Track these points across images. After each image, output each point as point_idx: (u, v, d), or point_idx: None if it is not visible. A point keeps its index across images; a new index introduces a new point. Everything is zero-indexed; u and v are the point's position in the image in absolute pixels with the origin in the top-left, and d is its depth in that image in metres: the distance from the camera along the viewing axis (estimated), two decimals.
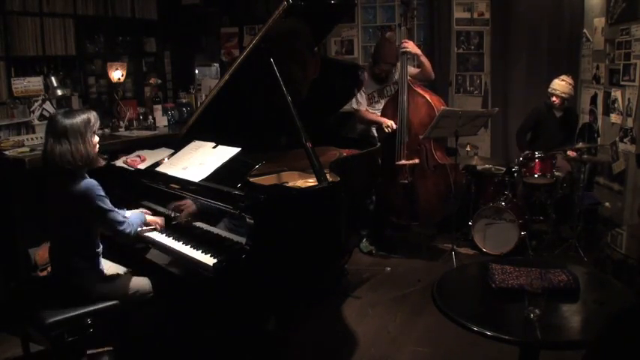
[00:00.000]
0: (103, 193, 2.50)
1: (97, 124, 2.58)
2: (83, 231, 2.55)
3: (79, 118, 2.49)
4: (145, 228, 2.76)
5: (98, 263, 2.62)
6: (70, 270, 2.57)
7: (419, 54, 4.30)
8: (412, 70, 4.36)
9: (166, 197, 2.91)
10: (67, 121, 2.47)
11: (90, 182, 2.49)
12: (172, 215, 2.88)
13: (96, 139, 2.57)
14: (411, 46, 4.23)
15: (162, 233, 2.78)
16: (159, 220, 2.83)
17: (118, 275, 2.66)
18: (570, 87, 4.57)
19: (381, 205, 4.50)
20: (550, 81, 4.73)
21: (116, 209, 2.56)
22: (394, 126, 4.21)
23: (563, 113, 4.69)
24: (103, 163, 2.65)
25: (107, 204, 2.51)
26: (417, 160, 4.29)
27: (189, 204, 2.81)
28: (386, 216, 4.63)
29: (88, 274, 2.57)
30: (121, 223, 2.55)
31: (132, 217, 2.67)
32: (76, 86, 4.94)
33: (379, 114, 4.41)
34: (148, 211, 2.87)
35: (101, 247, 2.64)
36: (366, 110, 4.45)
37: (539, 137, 4.73)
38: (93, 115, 2.55)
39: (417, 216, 4.48)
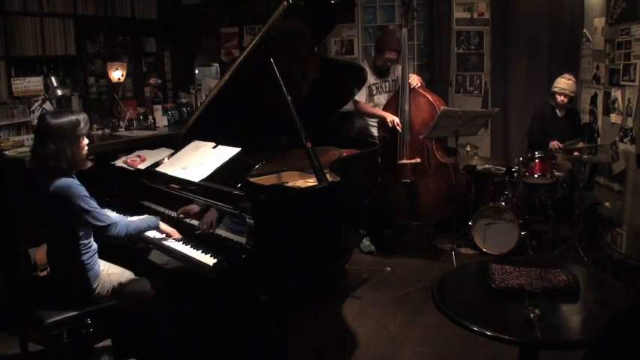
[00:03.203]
0: (85, 193, 2.43)
1: (87, 127, 2.52)
2: (70, 231, 2.49)
3: (67, 120, 2.44)
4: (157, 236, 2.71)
5: (92, 263, 2.57)
6: (64, 270, 2.55)
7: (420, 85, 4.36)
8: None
9: (166, 197, 2.91)
10: (55, 122, 2.42)
11: (70, 181, 2.43)
12: (189, 222, 2.81)
13: (85, 141, 2.52)
14: (417, 80, 4.30)
15: (162, 233, 2.77)
16: (172, 232, 2.69)
17: (116, 276, 2.65)
18: (575, 85, 4.60)
19: (382, 205, 4.50)
20: (550, 81, 4.73)
21: (100, 209, 2.48)
22: (397, 121, 4.19)
23: (566, 112, 4.69)
24: (89, 164, 2.56)
25: (89, 204, 2.43)
26: (418, 160, 4.29)
27: (204, 212, 2.71)
28: (386, 215, 4.63)
29: (82, 274, 2.53)
30: (105, 223, 2.46)
31: (135, 219, 2.62)
32: (76, 86, 4.94)
33: (379, 109, 4.38)
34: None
35: (95, 246, 2.59)
36: (366, 104, 4.42)
37: (544, 137, 4.71)
38: (82, 118, 2.50)
39: (418, 215, 4.48)
